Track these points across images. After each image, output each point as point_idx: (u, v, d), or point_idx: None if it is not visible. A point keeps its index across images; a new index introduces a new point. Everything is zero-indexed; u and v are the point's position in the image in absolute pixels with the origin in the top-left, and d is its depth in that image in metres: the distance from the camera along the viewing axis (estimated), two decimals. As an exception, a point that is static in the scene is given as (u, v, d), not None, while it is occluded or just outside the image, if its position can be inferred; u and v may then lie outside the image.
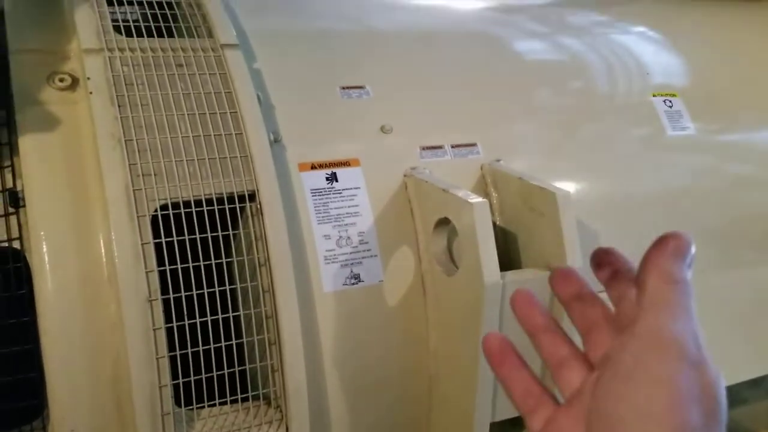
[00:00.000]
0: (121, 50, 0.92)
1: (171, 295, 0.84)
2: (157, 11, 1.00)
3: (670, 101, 1.36)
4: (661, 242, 0.41)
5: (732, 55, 1.54)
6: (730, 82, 1.49)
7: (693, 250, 0.41)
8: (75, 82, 0.93)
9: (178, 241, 0.86)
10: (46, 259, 0.85)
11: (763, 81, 1.51)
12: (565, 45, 1.38)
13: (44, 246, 0.85)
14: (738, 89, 1.47)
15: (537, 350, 0.46)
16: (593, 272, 0.46)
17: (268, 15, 1.20)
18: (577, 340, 0.46)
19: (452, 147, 1.11)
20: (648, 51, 1.45)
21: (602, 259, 0.46)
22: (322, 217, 0.99)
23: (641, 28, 1.52)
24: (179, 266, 0.85)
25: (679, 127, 1.34)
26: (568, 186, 1.09)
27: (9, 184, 0.89)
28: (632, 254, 1.26)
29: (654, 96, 1.36)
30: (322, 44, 1.16)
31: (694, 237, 1.29)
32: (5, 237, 0.87)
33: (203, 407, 0.89)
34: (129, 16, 0.99)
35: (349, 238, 1.00)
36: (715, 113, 1.41)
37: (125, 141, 0.86)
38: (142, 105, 0.89)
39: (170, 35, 0.98)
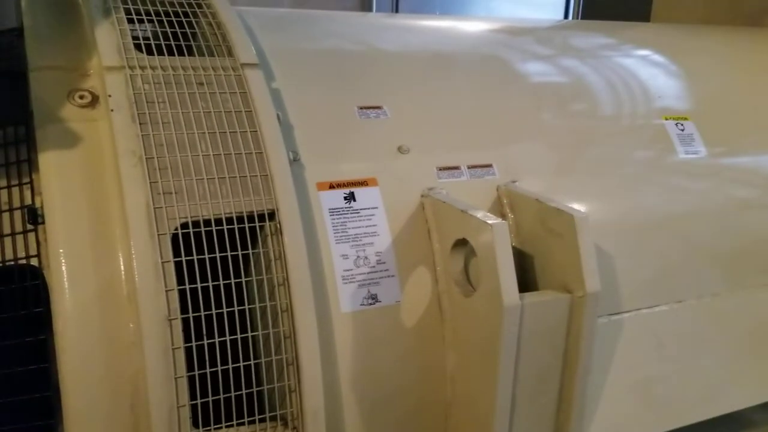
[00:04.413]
0: (142, 68, 0.92)
1: (191, 314, 0.83)
2: (177, 30, 1.00)
3: (682, 125, 1.37)
4: None
5: (744, 80, 1.54)
6: (742, 107, 1.49)
7: None
8: (95, 100, 0.93)
9: (197, 260, 0.85)
10: (65, 276, 0.84)
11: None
12: (578, 68, 1.39)
13: (63, 263, 0.85)
14: (750, 113, 1.47)
15: None
16: None
17: (286, 35, 1.20)
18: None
19: (469, 168, 1.10)
20: (660, 75, 1.46)
21: None
22: (340, 236, 0.98)
23: (654, 53, 1.52)
24: (199, 285, 0.84)
25: (691, 150, 1.34)
26: (584, 207, 1.09)
27: (28, 200, 0.88)
28: (645, 276, 1.25)
29: (666, 119, 1.36)
30: (340, 65, 1.16)
31: (705, 261, 1.27)
32: (23, 254, 0.87)
33: (220, 428, 0.87)
34: (150, 35, 0.99)
35: (366, 258, 0.99)
36: (727, 137, 1.41)
37: (146, 159, 0.86)
38: (163, 123, 0.89)
39: (190, 54, 0.98)
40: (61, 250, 0.85)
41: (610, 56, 1.47)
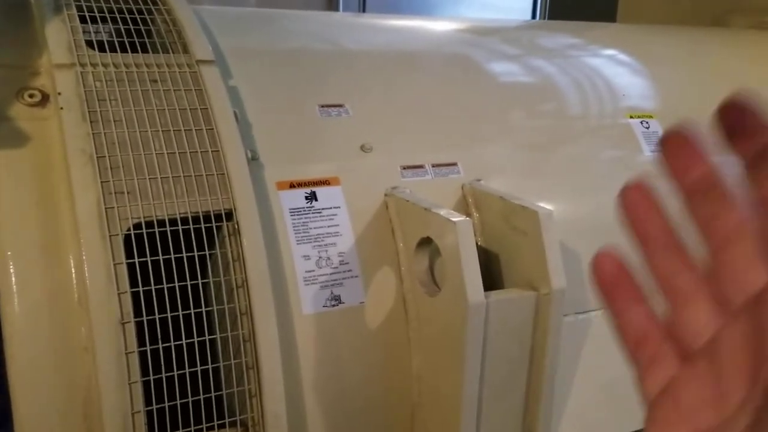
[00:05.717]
0: (94, 65, 0.90)
1: (144, 318, 0.81)
2: (131, 27, 0.97)
3: (647, 123, 1.36)
4: None
5: (707, 79, 1.55)
6: (706, 105, 1.49)
7: None
8: (45, 98, 0.90)
9: (151, 261, 0.82)
10: (13, 280, 0.81)
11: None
12: (544, 67, 1.38)
13: (11, 267, 0.82)
14: (713, 112, 1.48)
15: (650, 274, 0.32)
16: (725, 142, 0.29)
17: (245, 33, 1.18)
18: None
19: (433, 166, 1.09)
20: (625, 73, 1.46)
21: (736, 121, 0.27)
22: (302, 237, 0.96)
23: (618, 52, 1.52)
24: (153, 287, 0.82)
25: (656, 148, 1.34)
26: (549, 206, 1.08)
27: (-25, 202, 0.85)
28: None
29: (631, 117, 1.36)
30: (300, 63, 1.14)
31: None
32: (-30, 258, 0.84)
33: (178, 434, 0.85)
34: (102, 32, 0.96)
35: (329, 258, 0.97)
36: (692, 135, 1.41)
37: (97, 158, 0.83)
38: (115, 121, 0.87)
39: (144, 51, 0.95)
40: (9, 253, 0.82)
41: (577, 56, 1.47)
